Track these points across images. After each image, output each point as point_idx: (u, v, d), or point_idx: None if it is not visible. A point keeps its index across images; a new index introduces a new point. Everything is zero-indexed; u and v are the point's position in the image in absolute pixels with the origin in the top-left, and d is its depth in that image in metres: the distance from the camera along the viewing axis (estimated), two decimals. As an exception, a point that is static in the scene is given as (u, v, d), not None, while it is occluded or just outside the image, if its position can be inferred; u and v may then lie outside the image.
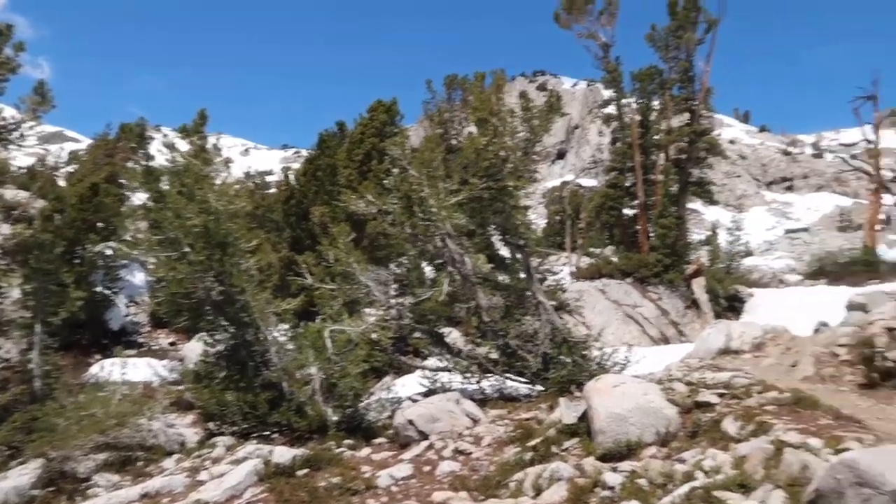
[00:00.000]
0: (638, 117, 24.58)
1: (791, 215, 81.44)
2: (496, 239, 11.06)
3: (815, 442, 4.81)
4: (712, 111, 23.77)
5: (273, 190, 37.30)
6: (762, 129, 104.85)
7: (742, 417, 5.80)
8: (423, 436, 7.64)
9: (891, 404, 6.56)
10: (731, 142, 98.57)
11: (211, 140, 11.19)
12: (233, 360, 9.01)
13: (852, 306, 10.91)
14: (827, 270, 27.13)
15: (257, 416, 8.37)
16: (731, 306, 20.40)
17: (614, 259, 23.32)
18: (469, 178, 10.00)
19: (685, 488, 4.66)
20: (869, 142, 30.59)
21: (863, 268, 24.65)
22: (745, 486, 4.49)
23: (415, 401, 9.05)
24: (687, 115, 23.08)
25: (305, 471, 6.76)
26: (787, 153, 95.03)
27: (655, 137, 23.90)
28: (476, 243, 10.83)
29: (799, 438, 4.88)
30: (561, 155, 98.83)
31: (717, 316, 19.59)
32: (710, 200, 23.50)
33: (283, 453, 7.11)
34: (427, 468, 6.78)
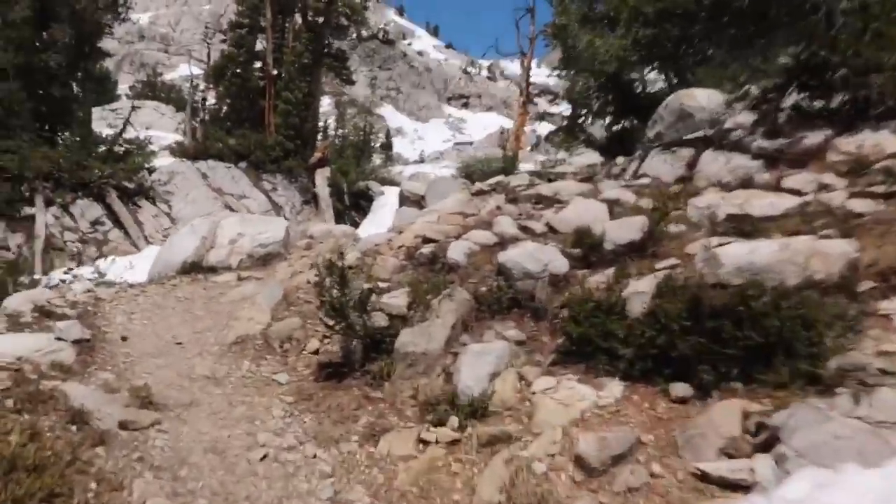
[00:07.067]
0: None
1: (464, 130, 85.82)
2: None
3: None
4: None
5: None
6: (448, 46, 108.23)
7: None
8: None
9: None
10: (420, 53, 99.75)
11: None
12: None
13: (405, 199, 7.86)
14: (474, 175, 26.67)
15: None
16: (356, 204, 17.49)
17: (231, 140, 18.62)
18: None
19: None
20: (523, 53, 30.66)
21: (502, 175, 24.28)
22: None
23: None
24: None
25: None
26: (466, 72, 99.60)
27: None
28: None
29: None
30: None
31: (339, 214, 16.50)
32: (348, 80, 20.04)
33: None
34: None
